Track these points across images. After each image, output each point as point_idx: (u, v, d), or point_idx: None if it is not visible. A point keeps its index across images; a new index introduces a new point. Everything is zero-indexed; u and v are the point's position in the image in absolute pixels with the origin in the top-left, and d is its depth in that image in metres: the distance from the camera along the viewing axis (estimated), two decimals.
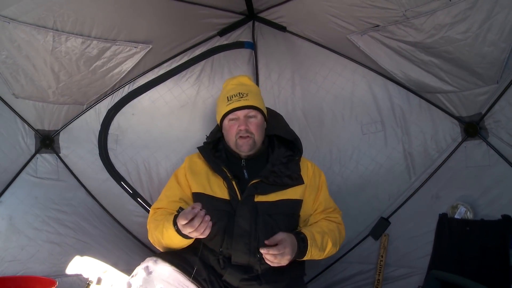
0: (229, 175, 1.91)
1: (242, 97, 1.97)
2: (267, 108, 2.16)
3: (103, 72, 2.51)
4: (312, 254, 1.79)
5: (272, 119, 2.21)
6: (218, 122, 2.09)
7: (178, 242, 1.73)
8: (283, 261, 1.68)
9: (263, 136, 2.03)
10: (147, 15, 2.39)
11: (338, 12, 2.33)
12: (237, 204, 1.84)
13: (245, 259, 1.78)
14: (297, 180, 1.95)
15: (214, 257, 1.82)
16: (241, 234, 1.78)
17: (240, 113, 1.96)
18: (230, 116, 1.98)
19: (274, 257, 1.66)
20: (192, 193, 1.97)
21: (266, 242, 1.70)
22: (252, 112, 1.98)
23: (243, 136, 1.94)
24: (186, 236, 1.65)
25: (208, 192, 1.91)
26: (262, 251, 1.66)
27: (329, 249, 1.87)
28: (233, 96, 1.98)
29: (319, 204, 2.00)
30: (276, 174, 1.91)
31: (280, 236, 1.71)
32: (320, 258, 1.89)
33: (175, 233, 1.66)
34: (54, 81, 2.37)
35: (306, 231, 1.82)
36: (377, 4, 2.08)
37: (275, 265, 1.69)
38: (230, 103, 1.97)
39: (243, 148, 1.95)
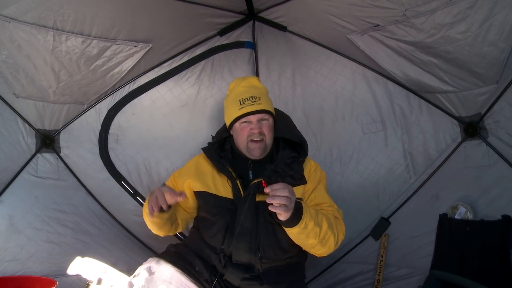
0: (233, 174, 1.91)
1: (255, 101, 1.95)
2: (276, 109, 2.15)
3: (103, 71, 2.51)
4: (307, 224, 1.65)
5: (281, 120, 2.19)
6: (228, 124, 2.07)
7: (145, 216, 1.91)
8: (291, 197, 1.57)
9: (272, 138, 2.02)
10: (147, 14, 2.39)
11: (338, 12, 2.33)
12: (239, 202, 1.84)
13: (246, 258, 1.79)
14: (300, 180, 1.94)
15: (216, 256, 1.82)
16: (242, 232, 1.78)
17: (253, 118, 1.95)
18: (243, 119, 1.97)
19: (284, 190, 1.55)
20: (194, 192, 1.98)
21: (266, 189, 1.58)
22: (265, 116, 1.98)
23: (255, 140, 1.93)
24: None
25: (212, 191, 1.92)
26: (267, 189, 1.56)
27: (325, 231, 1.72)
28: (246, 100, 1.96)
29: (314, 197, 1.95)
30: (278, 174, 1.90)
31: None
32: (316, 240, 1.72)
33: (146, 207, 1.80)
34: (54, 80, 2.37)
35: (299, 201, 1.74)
36: (377, 4, 2.08)
37: (283, 209, 1.54)
38: (243, 107, 1.95)
39: (255, 152, 1.94)
